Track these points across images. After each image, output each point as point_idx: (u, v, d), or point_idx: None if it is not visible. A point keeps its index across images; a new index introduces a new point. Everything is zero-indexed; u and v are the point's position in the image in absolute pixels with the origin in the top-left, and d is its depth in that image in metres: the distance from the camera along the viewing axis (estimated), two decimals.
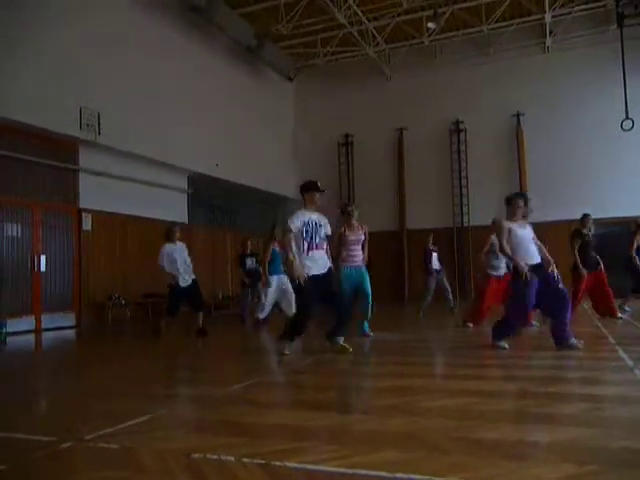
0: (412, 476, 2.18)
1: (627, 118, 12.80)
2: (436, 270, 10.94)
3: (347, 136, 18.72)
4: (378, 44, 16.88)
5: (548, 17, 15.43)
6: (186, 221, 14.42)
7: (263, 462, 2.40)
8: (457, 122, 17.52)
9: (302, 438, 2.76)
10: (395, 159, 17.90)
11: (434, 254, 11.00)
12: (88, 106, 10.86)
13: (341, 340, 5.94)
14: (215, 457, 2.49)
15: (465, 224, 16.99)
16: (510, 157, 16.94)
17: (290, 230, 5.70)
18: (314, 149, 18.84)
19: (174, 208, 13.94)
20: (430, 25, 15.80)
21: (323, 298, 5.86)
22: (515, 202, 5.89)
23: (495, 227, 6.07)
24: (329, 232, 6.05)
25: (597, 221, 9.42)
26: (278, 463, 2.38)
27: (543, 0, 14.93)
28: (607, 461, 2.34)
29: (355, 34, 16.13)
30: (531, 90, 16.58)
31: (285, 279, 9.21)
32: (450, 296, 11.12)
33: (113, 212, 12.01)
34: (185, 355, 6.87)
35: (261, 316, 9.22)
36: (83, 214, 11.39)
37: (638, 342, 6.11)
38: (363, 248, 7.25)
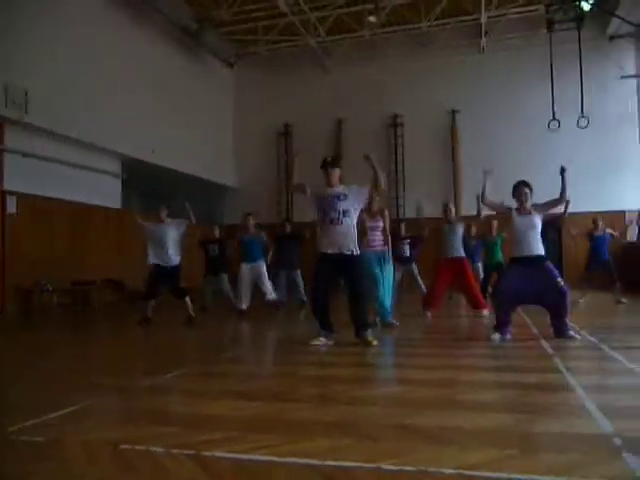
0: (343, 463, 2.21)
1: (554, 119, 13.36)
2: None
3: (287, 126, 18.65)
4: (319, 35, 16.86)
5: (484, 18, 15.85)
6: (119, 207, 14.01)
7: (193, 452, 2.37)
8: (395, 116, 17.79)
9: (232, 428, 2.74)
10: (333, 151, 17.96)
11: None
12: (14, 83, 10.33)
13: (369, 334, 5.54)
14: (143, 448, 2.44)
15: (401, 216, 17.29)
16: (446, 153, 17.37)
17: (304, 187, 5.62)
18: (253, 138, 18.69)
19: (107, 193, 13.51)
20: (371, 19, 15.91)
21: (345, 281, 5.63)
22: (519, 189, 5.87)
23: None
24: (362, 196, 5.62)
25: None
26: (208, 453, 2.36)
27: (480, 0, 15.32)
28: (527, 445, 2.45)
29: (297, 23, 16.04)
30: (466, 88, 17.05)
31: (257, 265, 9.13)
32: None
33: (40, 195, 11.51)
34: (116, 344, 6.69)
35: (243, 306, 9.07)
36: (8, 196, 10.84)
37: None
38: (384, 233, 7.20)
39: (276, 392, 3.63)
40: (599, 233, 10.40)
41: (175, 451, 2.39)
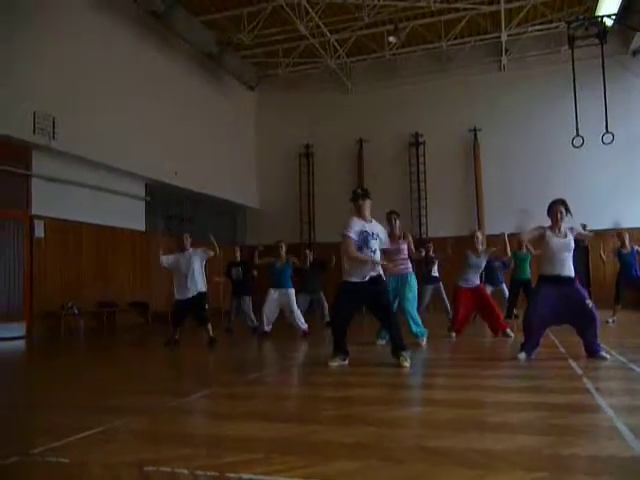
0: None
1: (577, 135, 13.21)
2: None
3: (308, 146, 18.78)
4: (340, 56, 17.04)
5: (504, 36, 15.87)
6: (143, 229, 14.18)
7: (217, 474, 2.36)
8: (416, 135, 17.80)
9: (257, 449, 2.73)
10: (355, 171, 18.02)
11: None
12: (42, 110, 10.59)
13: (407, 354, 5.55)
14: (168, 470, 2.44)
15: (424, 235, 17.21)
16: (468, 171, 17.29)
17: (348, 237, 5.70)
18: (275, 158, 18.85)
19: (131, 216, 13.70)
20: (391, 39, 16.03)
21: (370, 302, 5.80)
22: (555, 208, 5.83)
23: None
24: (386, 244, 6.06)
25: None
26: (232, 475, 2.35)
27: (499, 19, 15.35)
28: (557, 468, 2.39)
29: (317, 46, 16.24)
30: (488, 106, 17.01)
31: (286, 292, 9.15)
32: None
33: (67, 219, 11.71)
34: (142, 366, 6.73)
35: (266, 328, 9.13)
36: (35, 221, 11.06)
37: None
38: (410, 256, 7.43)
39: (300, 413, 3.61)
40: (627, 250, 10.21)
41: (200, 473, 2.38)
